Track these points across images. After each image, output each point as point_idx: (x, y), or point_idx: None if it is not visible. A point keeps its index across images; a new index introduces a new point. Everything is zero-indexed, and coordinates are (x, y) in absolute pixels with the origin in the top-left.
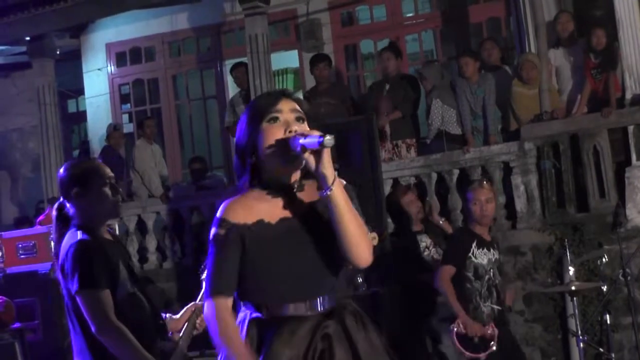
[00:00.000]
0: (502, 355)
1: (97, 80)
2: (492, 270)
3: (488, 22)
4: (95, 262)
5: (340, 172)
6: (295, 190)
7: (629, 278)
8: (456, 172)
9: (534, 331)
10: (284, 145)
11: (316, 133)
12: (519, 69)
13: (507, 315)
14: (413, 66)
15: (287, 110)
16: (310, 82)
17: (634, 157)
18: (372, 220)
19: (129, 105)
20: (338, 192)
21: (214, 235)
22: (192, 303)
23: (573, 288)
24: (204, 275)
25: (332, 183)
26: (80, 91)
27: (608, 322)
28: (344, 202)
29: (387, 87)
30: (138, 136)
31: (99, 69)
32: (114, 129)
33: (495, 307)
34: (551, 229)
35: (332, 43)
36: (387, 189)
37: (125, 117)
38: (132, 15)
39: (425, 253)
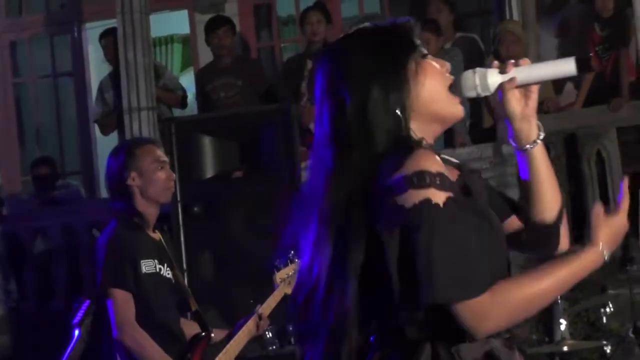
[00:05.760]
0: None
1: None
2: None
3: None
4: None
5: (248, 178)
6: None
7: None
8: None
9: None
10: (459, 86)
11: (526, 61)
12: (497, 43)
13: None
14: None
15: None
16: (205, 55)
17: None
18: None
19: None
20: (541, 145)
21: (435, 206)
22: None
23: (566, 348)
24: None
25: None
26: None
27: None
28: (547, 157)
29: (310, 65)
30: None
31: None
32: None
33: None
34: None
35: (237, 1)
36: None
37: None
38: None
39: None
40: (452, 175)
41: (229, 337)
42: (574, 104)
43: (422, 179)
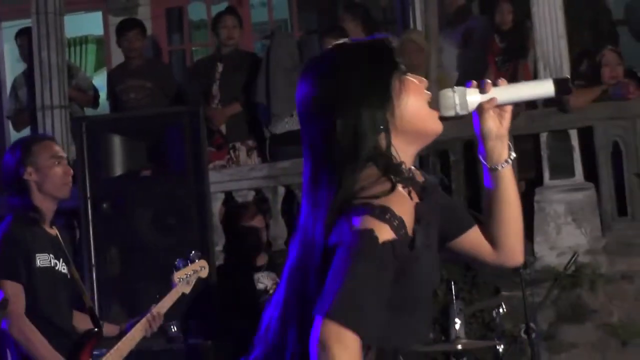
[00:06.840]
0: None
1: None
2: None
3: None
4: None
5: (155, 177)
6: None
7: (533, 336)
8: None
9: None
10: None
11: (504, 82)
12: (400, 52)
13: None
14: (260, 41)
15: None
16: (118, 56)
17: (546, 174)
18: (196, 247)
19: None
20: (510, 166)
21: (374, 240)
22: None
23: (460, 347)
24: None
25: (512, 150)
26: None
27: None
28: (514, 178)
29: (221, 68)
30: None
31: None
32: None
33: None
34: None
35: (150, 5)
36: (216, 205)
37: None
38: None
39: (263, 299)
40: (415, 198)
41: (120, 335)
42: None
43: (383, 213)
